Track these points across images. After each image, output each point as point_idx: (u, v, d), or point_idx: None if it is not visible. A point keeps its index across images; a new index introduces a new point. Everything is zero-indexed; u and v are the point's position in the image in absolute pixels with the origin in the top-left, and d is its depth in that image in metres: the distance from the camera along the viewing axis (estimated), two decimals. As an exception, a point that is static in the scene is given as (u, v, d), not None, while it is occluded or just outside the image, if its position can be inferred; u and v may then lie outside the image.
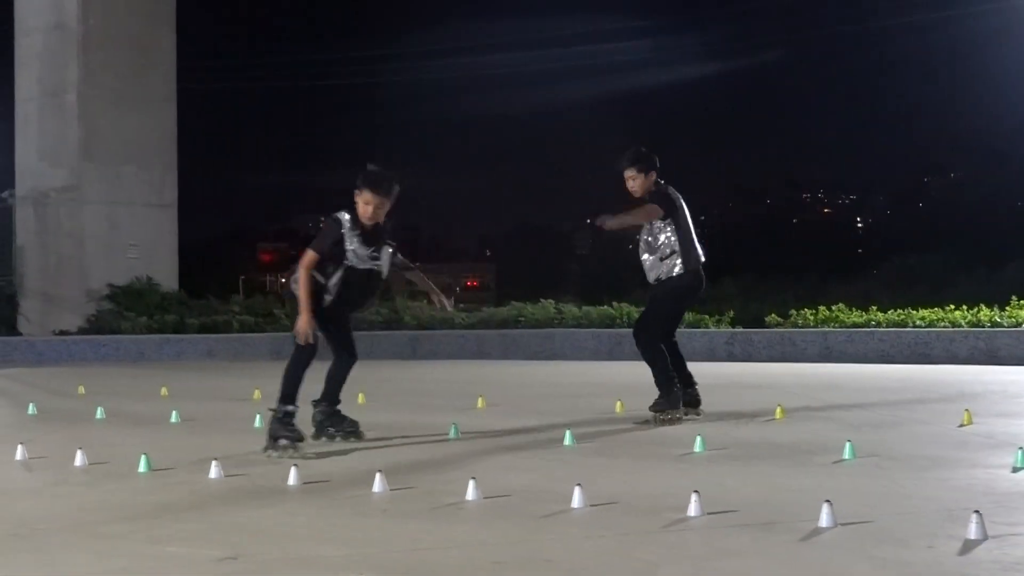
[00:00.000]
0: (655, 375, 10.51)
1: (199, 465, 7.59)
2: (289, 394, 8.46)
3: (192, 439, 9.56)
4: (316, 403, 9.04)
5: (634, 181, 10.49)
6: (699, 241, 10.54)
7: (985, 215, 63.52)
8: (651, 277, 10.59)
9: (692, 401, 10.66)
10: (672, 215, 10.30)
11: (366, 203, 8.60)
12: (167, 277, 31.95)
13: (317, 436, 8.94)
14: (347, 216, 8.62)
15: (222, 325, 29.31)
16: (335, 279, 8.62)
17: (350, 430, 9.05)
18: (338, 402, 9.11)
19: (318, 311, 8.54)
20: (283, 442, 8.27)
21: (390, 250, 8.92)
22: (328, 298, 8.66)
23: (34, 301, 31.41)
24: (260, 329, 29.67)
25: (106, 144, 31.44)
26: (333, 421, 9.04)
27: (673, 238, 10.24)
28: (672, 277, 10.28)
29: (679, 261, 10.24)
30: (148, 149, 32.07)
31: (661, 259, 10.30)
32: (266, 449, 8.30)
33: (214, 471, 7.31)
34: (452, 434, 9.15)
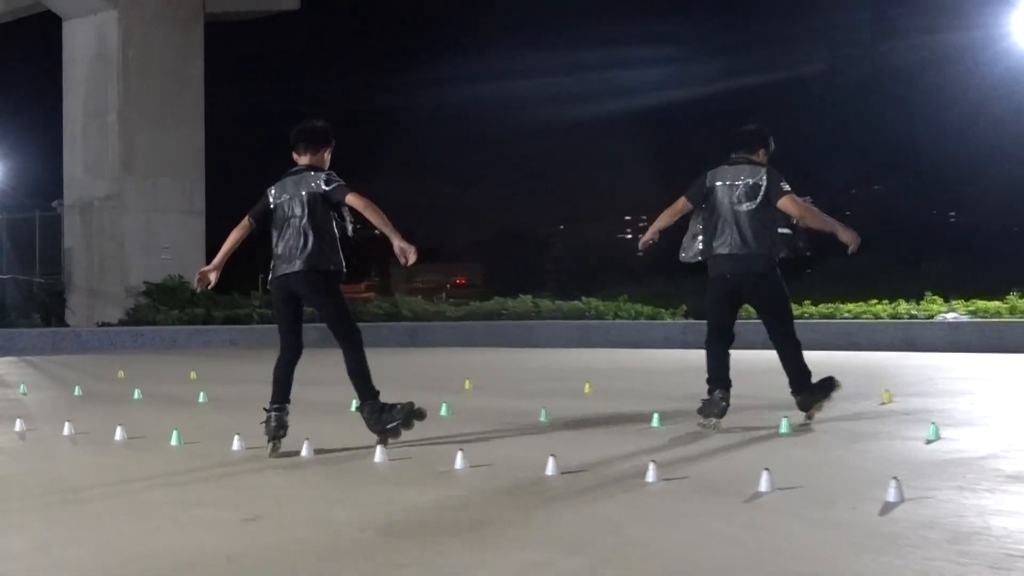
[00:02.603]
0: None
1: (224, 439, 7.58)
2: (371, 389, 7.43)
3: (217, 416, 9.55)
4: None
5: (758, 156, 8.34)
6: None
7: (903, 221, 63.66)
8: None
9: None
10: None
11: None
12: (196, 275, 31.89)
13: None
14: None
15: (244, 317, 29.35)
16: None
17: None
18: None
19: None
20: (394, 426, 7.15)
21: None
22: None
23: (80, 297, 31.44)
24: (277, 321, 29.68)
25: (143, 159, 31.55)
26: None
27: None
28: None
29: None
30: (180, 163, 32.14)
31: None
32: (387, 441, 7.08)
33: (236, 444, 7.31)
34: (444, 412, 9.16)
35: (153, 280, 30.55)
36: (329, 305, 7.34)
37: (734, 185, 8.14)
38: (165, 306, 29.34)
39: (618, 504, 5.22)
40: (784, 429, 7.90)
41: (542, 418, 8.81)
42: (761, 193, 8.06)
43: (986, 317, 25.03)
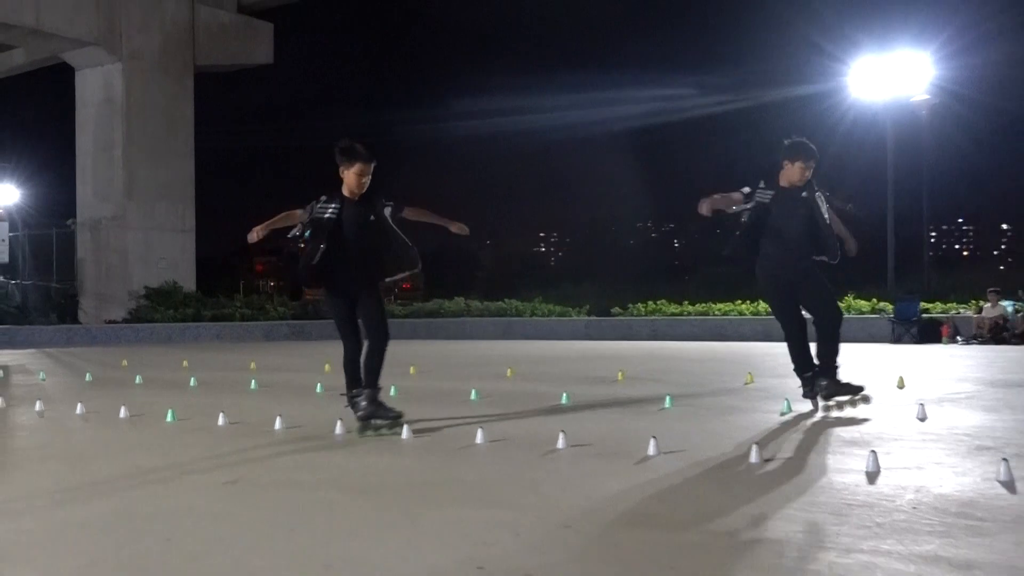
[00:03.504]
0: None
1: (210, 415, 7.47)
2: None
3: (205, 397, 9.42)
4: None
5: (809, 171, 7.42)
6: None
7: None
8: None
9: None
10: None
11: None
12: (187, 281, 31.86)
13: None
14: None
15: (228, 316, 29.23)
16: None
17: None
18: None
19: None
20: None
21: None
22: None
23: (90, 299, 31.32)
24: (255, 319, 29.60)
25: (143, 186, 31.68)
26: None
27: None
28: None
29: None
30: (173, 190, 32.33)
31: None
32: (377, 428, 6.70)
33: (221, 419, 7.21)
34: (392, 393, 9.11)
35: (151, 285, 30.42)
36: (372, 302, 6.92)
37: None
38: (162, 307, 29.17)
39: (535, 466, 5.22)
40: (667, 404, 7.95)
41: (473, 396, 8.80)
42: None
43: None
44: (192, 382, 10.99)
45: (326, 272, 6.78)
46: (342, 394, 7.25)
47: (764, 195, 7.44)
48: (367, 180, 6.77)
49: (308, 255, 6.74)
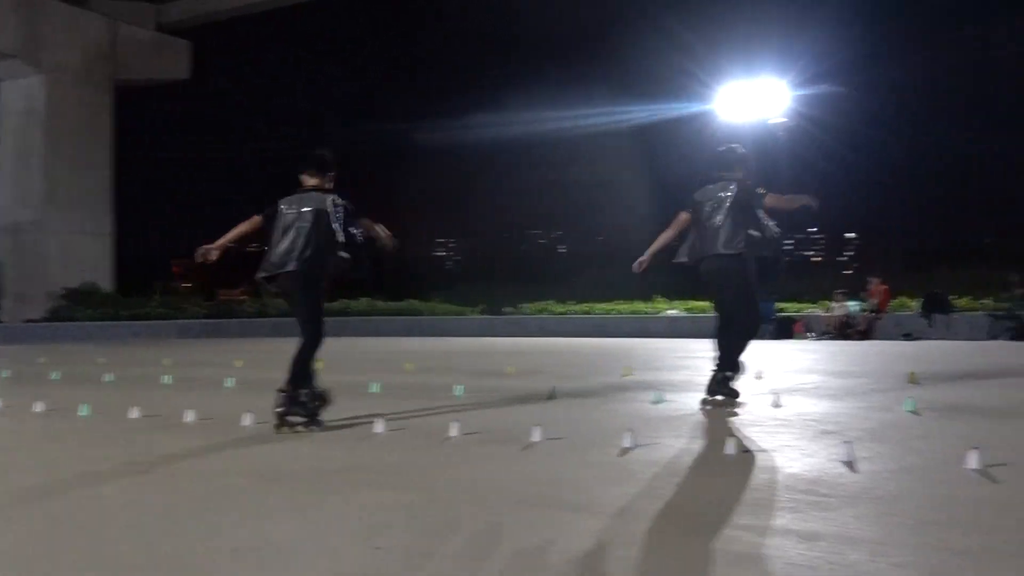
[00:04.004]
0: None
1: (124, 409, 7.24)
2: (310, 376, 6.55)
3: (121, 392, 9.13)
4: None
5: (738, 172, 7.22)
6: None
7: (643, 245, 65.23)
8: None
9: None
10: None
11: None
12: (106, 282, 31.00)
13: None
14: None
15: (144, 315, 28.48)
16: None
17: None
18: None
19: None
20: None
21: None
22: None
23: (10, 300, 30.29)
24: (171, 317, 28.88)
25: (63, 193, 30.89)
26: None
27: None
28: None
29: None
30: (92, 196, 31.51)
31: None
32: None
33: (135, 412, 6.99)
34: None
35: (71, 286, 29.48)
36: (307, 302, 6.63)
37: None
38: (80, 306, 28.30)
39: (432, 452, 5.19)
40: (553, 395, 7.99)
41: (375, 388, 8.72)
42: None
43: (697, 313, 25.98)
44: (108, 377, 10.64)
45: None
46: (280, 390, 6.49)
47: (704, 198, 7.18)
48: (311, 185, 6.52)
49: (268, 252, 6.47)
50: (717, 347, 7.27)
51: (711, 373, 7.30)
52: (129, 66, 33.21)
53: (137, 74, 33.84)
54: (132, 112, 34.30)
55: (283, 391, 6.30)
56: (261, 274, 6.55)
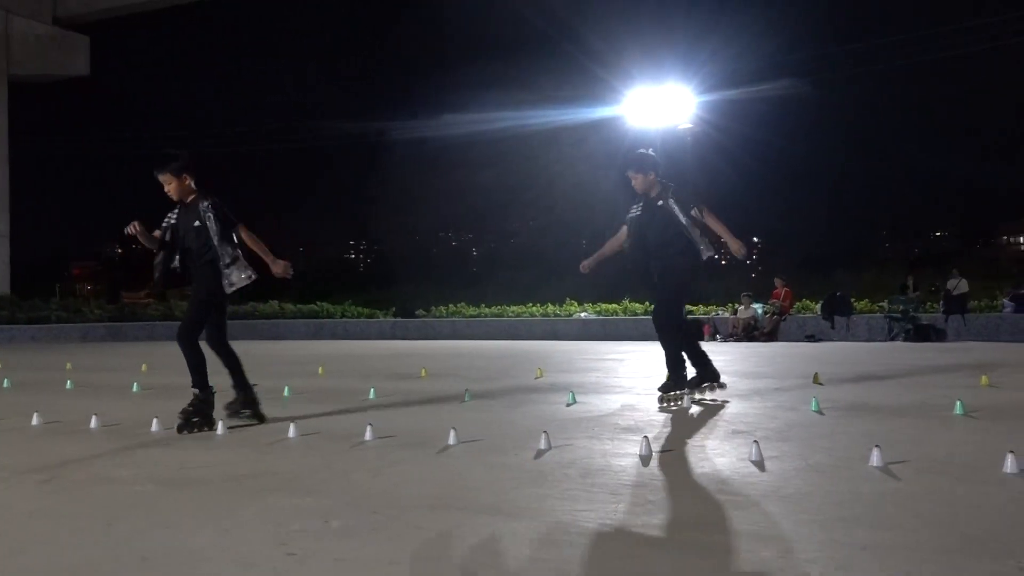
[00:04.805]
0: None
1: (25, 415, 7.00)
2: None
3: (20, 397, 8.82)
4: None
5: (635, 181, 7.48)
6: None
7: (550, 248, 65.69)
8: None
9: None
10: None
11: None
12: (1, 285, 29.83)
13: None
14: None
15: (43, 318, 27.53)
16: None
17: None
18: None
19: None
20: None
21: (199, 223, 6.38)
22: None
23: None
24: (72, 321, 28.00)
25: None
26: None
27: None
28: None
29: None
30: None
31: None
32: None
33: (36, 419, 6.77)
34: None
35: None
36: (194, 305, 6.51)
37: None
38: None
39: (346, 456, 5.15)
40: (467, 398, 8.00)
41: (285, 393, 8.60)
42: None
43: (607, 315, 26.25)
44: (5, 383, 10.27)
45: (172, 275, 6.44)
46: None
47: (635, 211, 7.50)
48: (168, 189, 6.41)
49: (159, 259, 6.45)
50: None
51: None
52: (24, 61, 32.09)
53: (33, 69, 32.71)
54: (31, 108, 33.21)
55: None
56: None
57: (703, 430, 5.94)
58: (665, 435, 5.74)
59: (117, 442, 5.87)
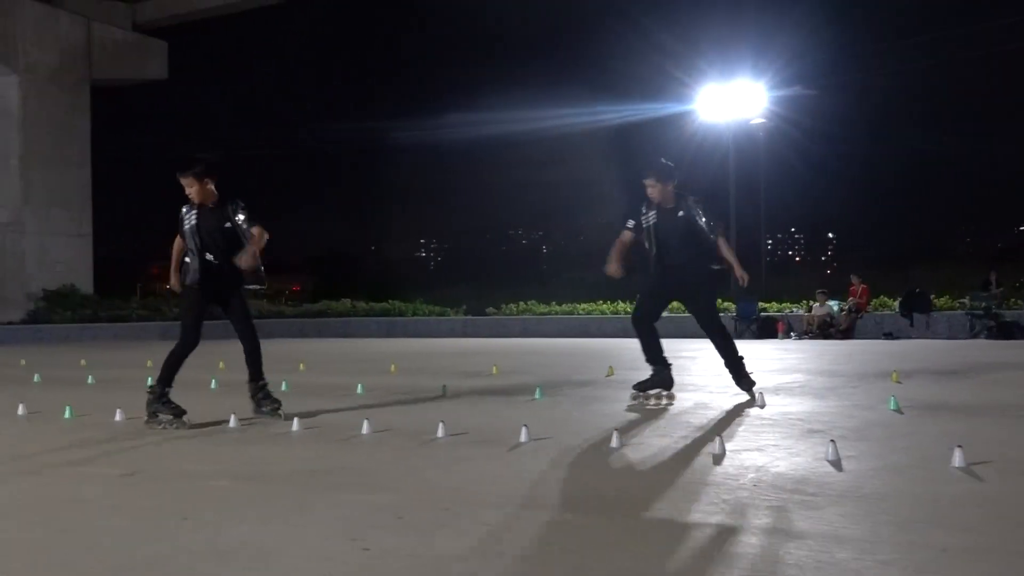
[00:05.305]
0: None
1: (108, 411, 7.19)
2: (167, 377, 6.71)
3: (102, 394, 9.07)
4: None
5: (652, 189, 7.47)
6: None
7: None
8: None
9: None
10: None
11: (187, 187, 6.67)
12: (85, 284, 30.74)
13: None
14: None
15: (124, 317, 28.31)
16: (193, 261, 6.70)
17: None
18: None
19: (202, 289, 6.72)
20: (165, 417, 6.53)
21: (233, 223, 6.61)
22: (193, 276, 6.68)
23: None
24: (151, 319, 28.70)
25: (39, 193, 30.61)
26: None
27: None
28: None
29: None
30: (70, 197, 31.17)
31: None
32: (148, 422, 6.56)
33: (119, 415, 6.95)
34: (284, 387, 8.94)
35: (50, 288, 29.23)
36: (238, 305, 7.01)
37: None
38: (59, 308, 28.09)
39: (417, 453, 5.19)
40: (538, 395, 8.00)
41: (359, 390, 8.70)
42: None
43: (678, 313, 26.03)
44: (90, 380, 10.57)
45: (198, 274, 6.67)
46: (149, 390, 6.74)
47: (652, 218, 7.48)
48: (190, 192, 6.62)
49: (189, 261, 6.73)
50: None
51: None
52: (105, 66, 32.98)
53: (113, 74, 33.62)
54: (111, 111, 34.17)
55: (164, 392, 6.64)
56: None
57: (778, 429, 5.86)
58: (739, 434, 5.67)
59: (194, 437, 6.00)
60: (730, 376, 7.70)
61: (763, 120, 29.09)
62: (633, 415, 6.69)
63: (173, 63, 35.64)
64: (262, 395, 6.89)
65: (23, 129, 30.25)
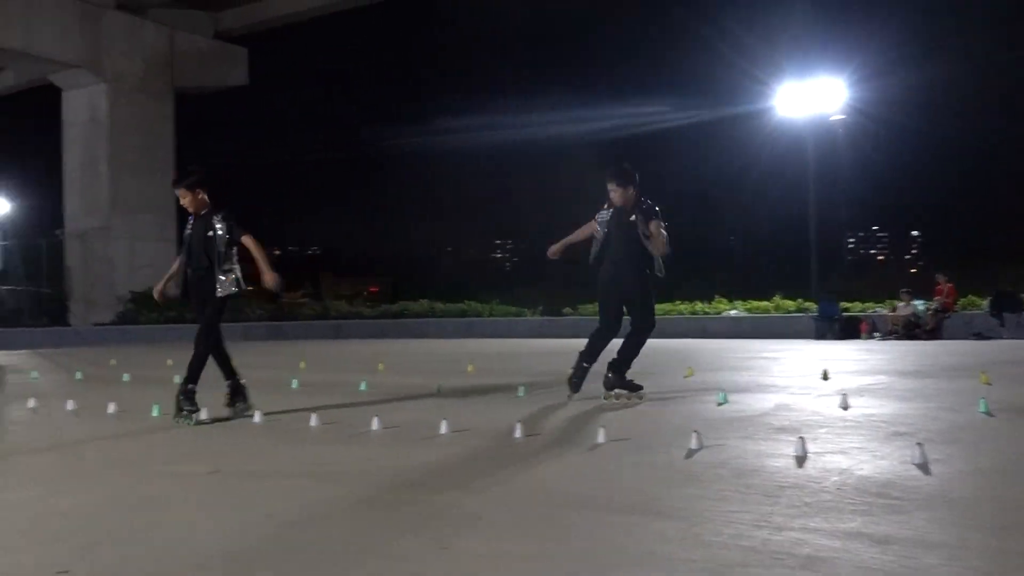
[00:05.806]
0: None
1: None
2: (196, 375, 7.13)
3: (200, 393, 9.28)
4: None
5: (614, 193, 7.71)
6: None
7: (698, 243, 64.69)
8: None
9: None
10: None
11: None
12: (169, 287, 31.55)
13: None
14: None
15: (209, 317, 28.98)
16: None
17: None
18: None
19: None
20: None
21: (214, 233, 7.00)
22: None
23: (79, 304, 31.02)
24: (234, 320, 29.33)
25: (126, 199, 31.54)
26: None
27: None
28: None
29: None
30: (155, 202, 32.03)
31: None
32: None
33: (204, 414, 7.11)
34: (363, 387, 9.07)
35: (136, 290, 30.08)
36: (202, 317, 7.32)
37: None
38: (146, 310, 28.88)
39: (495, 453, 5.21)
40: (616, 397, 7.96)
41: (437, 390, 8.77)
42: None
43: (758, 313, 25.69)
44: (176, 379, 10.83)
45: (187, 282, 7.23)
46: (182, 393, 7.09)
47: (603, 216, 7.78)
48: (184, 202, 7.06)
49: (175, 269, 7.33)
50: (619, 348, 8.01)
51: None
52: (188, 74, 33.84)
53: (196, 81, 34.47)
54: (193, 118, 35.02)
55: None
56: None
57: (862, 431, 5.74)
58: (821, 435, 5.57)
59: (278, 437, 6.12)
60: (608, 371, 7.85)
61: (843, 116, 28.52)
62: (713, 416, 6.62)
63: (256, 69, 36.39)
64: (183, 397, 7.01)
65: (111, 137, 31.22)
